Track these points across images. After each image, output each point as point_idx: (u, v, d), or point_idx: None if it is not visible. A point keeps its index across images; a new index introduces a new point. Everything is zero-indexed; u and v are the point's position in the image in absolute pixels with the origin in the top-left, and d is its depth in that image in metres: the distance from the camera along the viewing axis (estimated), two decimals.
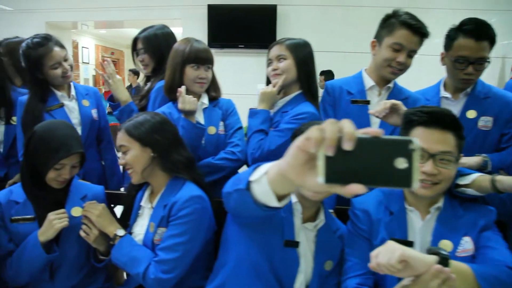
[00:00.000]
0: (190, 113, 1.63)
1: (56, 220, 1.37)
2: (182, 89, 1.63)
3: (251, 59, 5.05)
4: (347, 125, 0.58)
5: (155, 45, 1.96)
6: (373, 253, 1.06)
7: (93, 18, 5.49)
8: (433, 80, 2.00)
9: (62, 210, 1.41)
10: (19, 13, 5.31)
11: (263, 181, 0.77)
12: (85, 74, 7.85)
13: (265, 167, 0.81)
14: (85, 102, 2.02)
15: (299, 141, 0.62)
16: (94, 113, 2.04)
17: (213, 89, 1.84)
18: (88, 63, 8.07)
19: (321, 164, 0.59)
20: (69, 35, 6.21)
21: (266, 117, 1.71)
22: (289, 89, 1.77)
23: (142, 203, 1.48)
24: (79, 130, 1.96)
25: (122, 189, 2.15)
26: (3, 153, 1.99)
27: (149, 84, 2.04)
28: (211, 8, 4.96)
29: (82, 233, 1.42)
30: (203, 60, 1.74)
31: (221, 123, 1.80)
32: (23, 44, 1.86)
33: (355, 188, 0.57)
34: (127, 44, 10.18)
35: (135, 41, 2.04)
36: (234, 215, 1.18)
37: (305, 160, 0.63)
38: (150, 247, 1.36)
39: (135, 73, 6.76)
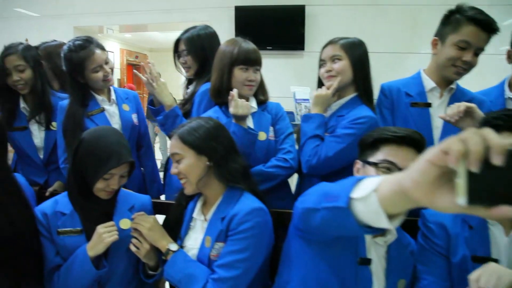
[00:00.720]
0: (241, 118, 1.54)
1: (106, 234, 1.28)
2: (234, 92, 1.53)
3: (279, 60, 4.95)
4: (493, 135, 0.49)
5: (199, 46, 1.87)
6: (473, 277, 0.94)
7: (119, 22, 5.48)
8: (482, 80, 1.88)
9: (111, 223, 1.32)
10: (47, 19, 5.33)
11: (371, 200, 0.68)
12: None
13: (371, 183, 0.70)
14: (126, 107, 1.94)
15: (432, 154, 0.53)
16: (134, 118, 1.96)
17: (261, 92, 1.75)
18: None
19: (462, 182, 0.51)
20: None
21: (321, 122, 1.60)
22: (343, 92, 1.66)
23: (195, 215, 1.38)
24: None
25: (162, 197, 2.07)
26: (43, 160, 1.93)
27: (191, 87, 1.95)
28: (239, 10, 4.89)
29: (132, 248, 1.33)
30: (253, 61, 1.65)
31: (271, 128, 1.70)
32: (65, 47, 1.79)
33: (504, 211, 0.49)
34: (150, 47, 10.24)
35: (177, 42, 1.95)
36: (311, 232, 1.07)
37: (436, 176, 0.54)
38: (206, 263, 1.26)
39: None
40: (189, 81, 2.02)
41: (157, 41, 8.61)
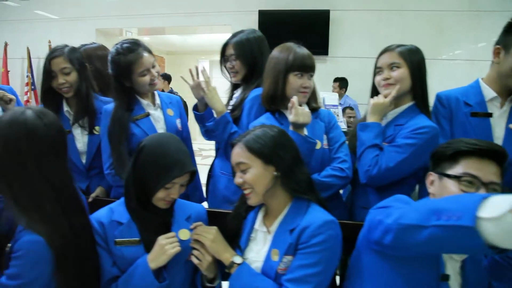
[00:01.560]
0: (301, 126, 1.49)
1: (168, 245, 1.23)
2: (295, 99, 1.49)
3: None
4: None
5: (248, 50, 1.83)
6: None
7: (140, 24, 5.47)
8: None
9: (172, 234, 1.27)
10: (69, 21, 5.33)
11: (507, 220, 0.63)
12: None
13: (505, 202, 0.65)
14: (170, 111, 1.90)
15: None
16: (178, 123, 1.92)
17: (313, 99, 1.70)
18: None
19: None
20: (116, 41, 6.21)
21: (379, 131, 1.55)
22: (399, 100, 1.61)
23: (256, 226, 1.33)
24: None
25: (205, 204, 2.02)
26: (85, 165, 1.88)
27: (237, 92, 1.91)
28: (262, 14, 4.86)
29: (195, 260, 1.28)
30: (308, 67, 1.61)
31: (324, 137, 1.65)
32: (112, 50, 1.76)
33: None
34: (168, 50, 10.22)
35: (224, 47, 1.91)
36: (399, 248, 1.01)
37: None
38: (272, 277, 1.21)
39: (166, 78, 6.57)
40: (234, 86, 1.98)
41: (174, 44, 8.60)
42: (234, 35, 1.88)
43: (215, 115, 1.75)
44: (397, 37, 4.59)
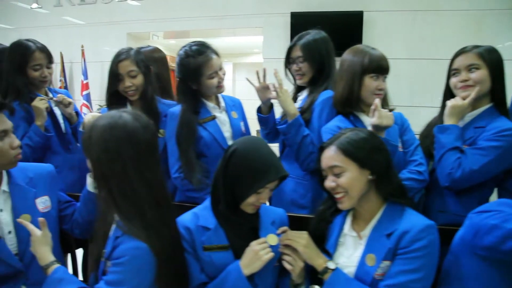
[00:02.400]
0: (382, 129, 1.47)
1: (262, 251, 1.22)
2: (377, 102, 1.47)
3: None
4: None
5: (316, 51, 1.81)
6: None
7: (171, 28, 5.52)
8: None
9: (263, 240, 1.26)
10: (101, 26, 5.39)
11: None
12: None
13: None
14: (234, 114, 1.90)
15: None
16: (242, 126, 1.91)
17: (385, 101, 1.68)
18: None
19: None
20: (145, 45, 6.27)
21: (459, 133, 1.52)
22: (477, 102, 1.57)
23: (346, 231, 1.31)
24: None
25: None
26: None
27: (301, 95, 1.89)
28: (294, 16, 4.84)
29: (287, 266, 1.27)
30: (385, 69, 1.60)
31: (399, 140, 1.63)
32: (181, 53, 1.77)
33: None
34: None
35: (290, 49, 1.90)
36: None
37: None
38: (368, 283, 1.19)
39: None
40: (298, 89, 1.97)
41: None
42: (300, 37, 1.87)
43: (287, 118, 1.73)
44: (433, 38, 4.56)
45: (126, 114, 1.15)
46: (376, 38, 4.81)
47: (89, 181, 1.63)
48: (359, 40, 4.79)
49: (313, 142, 1.72)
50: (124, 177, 1.10)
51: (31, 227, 1.28)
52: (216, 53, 1.79)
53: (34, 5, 5.50)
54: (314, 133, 1.73)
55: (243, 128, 1.92)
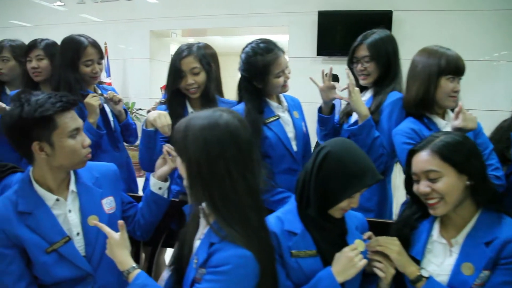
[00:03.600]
0: (465, 132, 1.41)
1: (357, 258, 1.16)
2: (462, 104, 1.41)
3: None
4: None
5: (383, 51, 1.75)
6: None
7: (195, 25, 5.47)
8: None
9: (355, 245, 1.20)
10: (124, 23, 5.35)
11: None
12: None
13: None
14: (296, 114, 1.84)
15: None
16: (303, 126, 1.86)
17: (456, 104, 1.62)
18: None
19: None
20: (168, 42, 6.24)
21: None
22: None
23: (435, 237, 1.25)
24: (294, 145, 1.78)
25: None
26: None
27: (363, 96, 1.83)
28: (322, 15, 4.79)
29: (380, 273, 1.21)
30: (462, 70, 1.55)
31: None
32: (247, 50, 1.71)
33: None
34: (211, 53, 10.14)
35: (354, 48, 1.83)
36: None
37: None
38: None
39: None
40: (360, 89, 1.90)
41: (217, 46, 8.57)
42: (365, 36, 1.80)
43: (358, 119, 1.67)
44: (463, 38, 4.49)
45: (224, 112, 1.08)
46: (404, 38, 4.72)
47: (153, 181, 1.58)
48: None
49: (383, 144, 1.66)
50: (227, 179, 1.03)
51: (107, 229, 1.23)
52: (283, 51, 1.73)
53: (58, 3, 5.46)
54: (384, 135, 1.67)
55: (304, 129, 1.86)
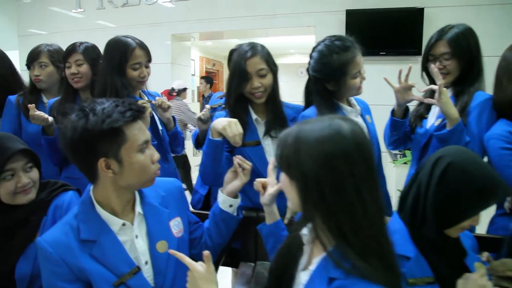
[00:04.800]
0: None
1: (488, 285, 0.99)
2: None
3: (393, 66, 4.60)
4: None
5: (465, 47, 1.59)
6: None
7: (218, 28, 5.32)
8: None
9: (484, 271, 1.02)
10: (144, 27, 5.22)
11: None
12: (191, 86, 7.69)
13: None
14: (368, 118, 1.69)
15: None
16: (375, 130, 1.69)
17: None
18: (194, 74, 7.93)
19: None
20: (189, 46, 6.11)
21: None
22: None
23: None
24: None
25: None
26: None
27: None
28: (350, 14, 4.61)
29: None
30: None
31: None
32: (321, 48, 1.56)
33: None
34: (224, 55, 10.04)
35: (431, 45, 1.66)
36: None
37: None
38: None
39: (208, 81, 6.24)
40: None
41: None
42: (443, 31, 1.64)
43: (447, 122, 1.50)
44: (499, 33, 4.28)
45: (341, 120, 0.90)
46: None
47: (222, 198, 1.42)
48: (419, 38, 4.54)
49: (474, 150, 1.49)
50: (356, 201, 0.84)
51: (188, 260, 1.06)
52: (360, 48, 1.57)
53: (78, 10, 5.37)
54: (474, 139, 1.50)
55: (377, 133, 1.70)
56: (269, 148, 1.65)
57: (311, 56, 1.62)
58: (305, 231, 0.99)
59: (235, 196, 1.43)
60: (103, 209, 1.15)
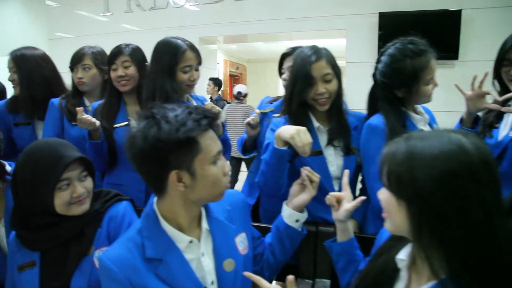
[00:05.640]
0: None
1: None
2: None
3: None
4: None
5: None
6: None
7: (246, 31, 5.24)
8: None
9: None
10: (173, 30, 5.18)
11: None
12: None
13: None
14: (435, 127, 1.56)
15: None
16: None
17: None
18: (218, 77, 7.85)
19: None
20: (215, 49, 6.07)
21: None
22: None
23: None
24: None
25: None
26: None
27: None
28: (383, 16, 4.48)
29: None
30: None
31: None
32: (392, 52, 1.46)
33: None
34: (248, 59, 10.05)
35: (506, 51, 1.55)
36: None
37: None
38: None
39: (217, 83, 6.06)
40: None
41: (258, 52, 8.39)
42: None
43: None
44: None
45: (461, 135, 0.76)
46: (474, 38, 4.41)
47: (288, 212, 1.32)
48: (456, 42, 4.39)
49: None
50: (485, 226, 0.73)
51: (265, 284, 0.96)
52: (433, 53, 1.46)
53: (106, 13, 5.37)
54: None
55: None
56: (331, 158, 1.54)
57: (379, 61, 1.51)
58: (402, 256, 0.89)
59: (302, 211, 1.33)
60: (169, 225, 1.06)
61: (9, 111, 2.06)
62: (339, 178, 1.52)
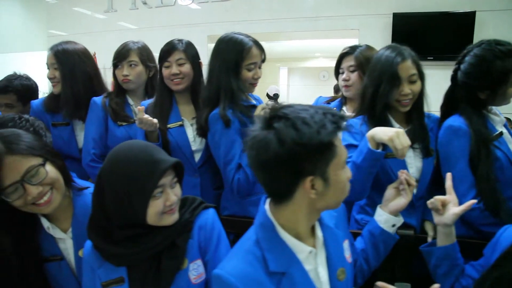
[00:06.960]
0: None
1: None
2: None
3: (441, 72, 4.43)
4: None
5: None
6: None
7: (255, 30, 5.14)
8: None
9: None
10: (180, 28, 5.05)
11: None
12: None
13: None
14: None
15: None
16: None
17: None
18: None
19: None
20: None
21: None
22: None
23: None
24: None
25: None
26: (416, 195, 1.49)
27: None
28: (397, 17, 4.47)
29: None
30: None
31: None
32: (482, 53, 1.43)
33: None
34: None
35: None
36: None
37: None
38: None
39: None
40: None
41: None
42: None
43: None
44: None
45: None
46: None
47: (385, 217, 1.25)
48: (469, 43, 4.38)
49: None
50: None
51: None
52: None
53: (110, 10, 5.20)
54: None
55: None
56: (411, 160, 1.48)
57: (461, 62, 1.46)
58: None
59: (397, 215, 1.26)
60: (289, 234, 0.96)
61: (47, 110, 1.90)
62: (418, 181, 1.47)
